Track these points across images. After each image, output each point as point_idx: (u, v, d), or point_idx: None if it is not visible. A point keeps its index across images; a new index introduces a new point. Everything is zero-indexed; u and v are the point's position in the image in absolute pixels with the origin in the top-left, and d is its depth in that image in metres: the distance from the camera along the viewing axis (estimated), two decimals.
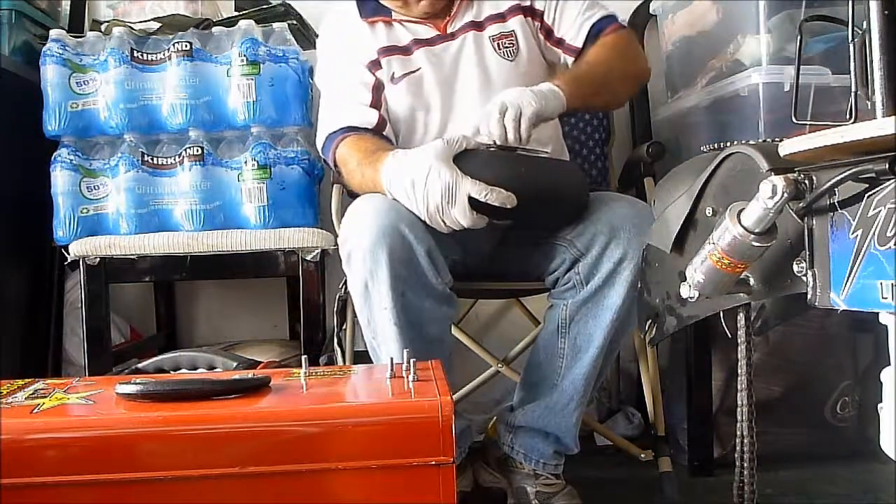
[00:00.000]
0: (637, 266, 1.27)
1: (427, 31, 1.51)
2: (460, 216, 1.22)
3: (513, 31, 1.51)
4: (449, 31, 1.51)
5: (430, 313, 1.30)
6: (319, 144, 1.52)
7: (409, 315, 1.27)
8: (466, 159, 1.24)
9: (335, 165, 1.50)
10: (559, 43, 1.52)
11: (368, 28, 1.51)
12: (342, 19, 1.55)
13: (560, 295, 1.40)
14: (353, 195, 1.46)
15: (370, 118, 1.47)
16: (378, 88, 1.49)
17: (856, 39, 0.81)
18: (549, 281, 1.43)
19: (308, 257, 1.65)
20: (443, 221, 1.24)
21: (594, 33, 1.49)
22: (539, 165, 1.35)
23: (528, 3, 1.52)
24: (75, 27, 2.00)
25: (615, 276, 1.32)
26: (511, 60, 1.50)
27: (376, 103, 1.49)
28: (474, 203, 1.22)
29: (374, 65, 1.49)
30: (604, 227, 1.33)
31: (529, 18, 1.53)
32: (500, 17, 1.52)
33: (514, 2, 1.52)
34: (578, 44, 1.50)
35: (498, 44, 1.50)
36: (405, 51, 1.50)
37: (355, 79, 1.49)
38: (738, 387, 1.00)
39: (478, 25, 1.51)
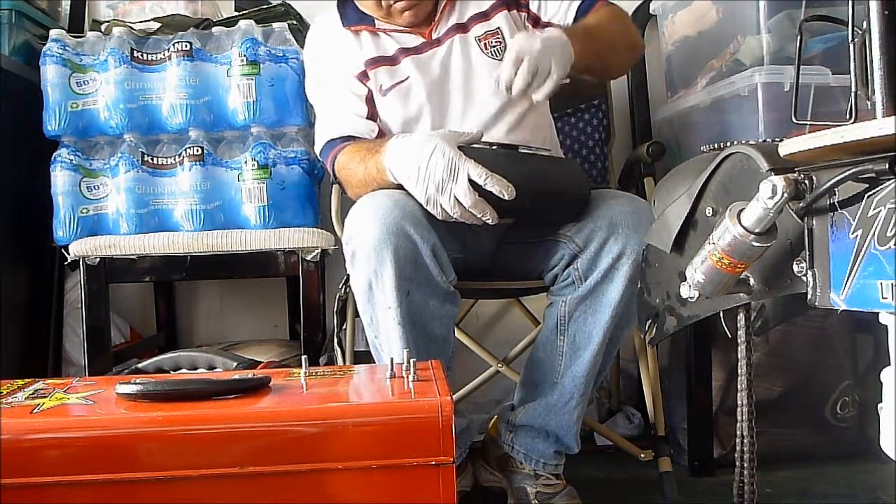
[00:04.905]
0: (636, 262, 1.27)
1: (413, 40, 1.49)
2: (461, 194, 1.22)
3: (498, 28, 1.49)
4: (434, 36, 1.49)
5: (434, 312, 1.30)
6: (318, 149, 1.52)
7: (413, 314, 1.27)
8: (469, 155, 1.24)
9: (334, 173, 1.49)
10: (548, 28, 1.48)
11: (353, 37, 1.50)
12: (326, 29, 1.53)
13: (559, 291, 1.40)
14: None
15: (371, 129, 1.47)
16: (371, 100, 1.49)
17: (856, 39, 0.81)
18: (548, 278, 1.43)
19: (308, 257, 1.65)
20: (441, 204, 1.23)
21: (583, 10, 1.47)
22: (541, 163, 1.35)
23: None
24: (75, 27, 2.00)
25: (613, 272, 1.32)
26: (499, 59, 1.46)
27: (372, 115, 1.49)
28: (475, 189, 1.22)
29: (363, 76, 1.49)
30: (603, 222, 1.33)
31: (514, 11, 1.52)
32: (484, 16, 1.50)
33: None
34: (568, 23, 1.48)
35: (485, 44, 1.49)
36: (392, 61, 1.48)
37: (348, 90, 1.49)
38: (738, 387, 1.00)
39: (462, 27, 1.49)
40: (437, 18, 1.49)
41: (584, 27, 1.41)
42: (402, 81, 1.47)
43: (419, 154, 1.24)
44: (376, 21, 1.49)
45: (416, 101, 1.47)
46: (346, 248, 1.32)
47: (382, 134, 1.48)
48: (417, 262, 1.25)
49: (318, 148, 1.52)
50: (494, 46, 1.49)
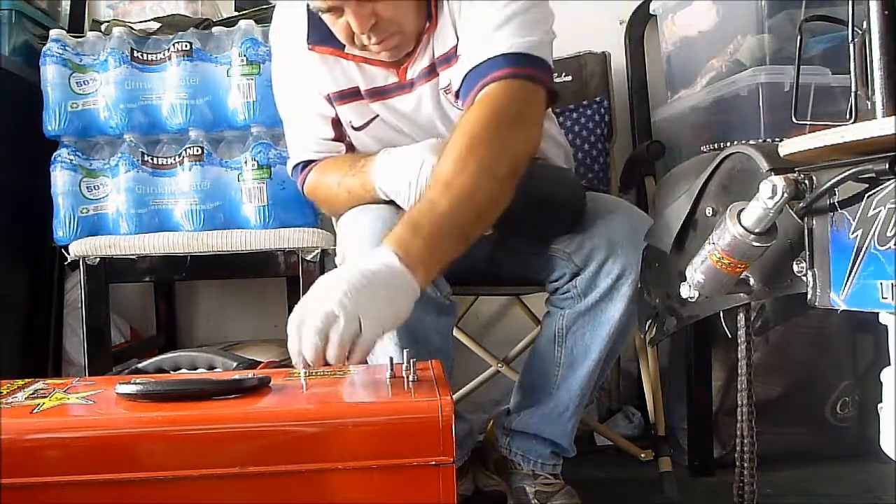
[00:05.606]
0: (635, 281, 1.25)
1: (384, 77, 1.34)
2: None
3: (451, 81, 1.31)
4: (408, 77, 1.33)
5: (432, 325, 1.28)
6: (288, 170, 1.49)
7: (410, 331, 1.24)
8: None
9: (304, 193, 1.46)
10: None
11: (318, 59, 1.35)
12: (289, 43, 1.38)
13: (558, 303, 1.38)
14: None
15: (337, 150, 1.41)
16: (337, 123, 1.40)
17: (856, 39, 0.81)
18: (549, 288, 1.41)
19: (308, 257, 1.65)
20: None
21: (471, 83, 1.21)
22: (533, 172, 1.32)
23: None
24: (75, 27, 2.00)
25: (613, 292, 1.30)
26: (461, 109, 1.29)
27: (339, 136, 1.41)
28: None
29: (330, 100, 1.38)
30: (601, 241, 1.30)
31: None
32: (447, 61, 1.30)
33: (456, 38, 1.29)
34: (455, 86, 1.27)
35: (451, 96, 1.32)
36: (359, 97, 1.36)
37: (314, 112, 1.40)
38: (738, 387, 1.00)
39: (433, 71, 1.32)
40: (414, 53, 1.32)
41: (431, 219, 1.05)
42: (373, 119, 1.39)
43: (408, 170, 1.21)
44: (346, 47, 1.31)
45: (390, 134, 1.39)
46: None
47: (351, 150, 1.43)
48: None
49: (288, 168, 1.49)
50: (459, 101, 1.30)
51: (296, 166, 1.46)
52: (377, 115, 1.39)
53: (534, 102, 1.21)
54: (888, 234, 0.72)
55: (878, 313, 0.79)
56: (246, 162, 1.66)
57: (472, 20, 1.26)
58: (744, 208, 0.83)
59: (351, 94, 1.37)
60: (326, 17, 1.27)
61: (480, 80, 1.20)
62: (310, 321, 0.94)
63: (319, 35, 1.32)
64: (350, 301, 0.94)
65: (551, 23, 1.29)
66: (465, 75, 1.23)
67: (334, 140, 1.42)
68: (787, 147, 0.80)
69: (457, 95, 1.29)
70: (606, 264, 1.30)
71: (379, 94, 1.36)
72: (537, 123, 1.23)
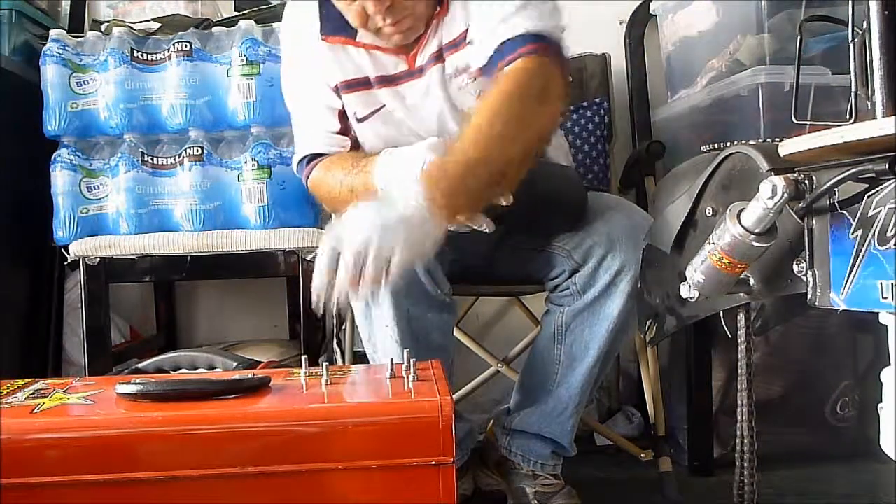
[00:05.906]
0: (634, 278, 1.26)
1: (394, 65, 1.37)
2: None
3: (468, 64, 1.33)
4: (417, 63, 1.36)
5: (433, 322, 1.29)
6: (294, 165, 1.49)
7: (411, 328, 1.26)
8: None
9: (308, 188, 1.45)
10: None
11: (329, 50, 1.37)
12: (302, 35, 1.41)
13: (558, 300, 1.39)
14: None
15: (342, 144, 1.42)
16: (344, 115, 1.41)
17: (856, 39, 0.81)
18: (549, 285, 1.42)
19: (308, 257, 1.65)
20: None
21: (497, 58, 1.24)
22: (536, 170, 1.32)
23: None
24: (75, 27, 2.00)
25: (612, 288, 1.30)
26: (479, 95, 1.31)
27: (345, 129, 1.42)
28: None
29: (338, 91, 1.40)
30: (601, 238, 1.31)
31: None
32: (454, 46, 1.33)
33: (465, 24, 1.31)
34: (481, 63, 1.29)
35: (458, 81, 1.35)
36: (367, 85, 1.38)
37: (321, 103, 1.41)
38: (738, 387, 1.00)
39: (440, 57, 1.35)
40: (423, 40, 1.34)
41: (461, 160, 1.10)
42: (379, 109, 1.40)
43: (410, 170, 1.23)
44: (358, 33, 1.35)
45: (395, 128, 1.40)
46: None
47: (356, 146, 1.44)
48: (413, 280, 1.24)
49: (293, 163, 1.49)
50: (469, 83, 1.34)
51: (301, 161, 1.46)
52: (382, 106, 1.40)
53: (555, 79, 1.23)
54: (888, 234, 0.72)
55: (878, 313, 0.79)
56: (246, 162, 1.66)
57: (488, 5, 1.29)
58: (744, 208, 0.83)
59: (358, 84, 1.39)
60: (340, 4, 1.29)
61: (506, 57, 1.23)
62: (348, 241, 0.99)
63: (332, 26, 1.36)
64: (384, 233, 0.99)
65: (561, 17, 1.32)
66: (491, 54, 1.25)
67: (340, 133, 1.43)
68: (787, 147, 0.80)
69: (480, 73, 1.30)
70: (605, 260, 1.30)
71: (389, 81, 1.38)
72: (559, 100, 1.25)
